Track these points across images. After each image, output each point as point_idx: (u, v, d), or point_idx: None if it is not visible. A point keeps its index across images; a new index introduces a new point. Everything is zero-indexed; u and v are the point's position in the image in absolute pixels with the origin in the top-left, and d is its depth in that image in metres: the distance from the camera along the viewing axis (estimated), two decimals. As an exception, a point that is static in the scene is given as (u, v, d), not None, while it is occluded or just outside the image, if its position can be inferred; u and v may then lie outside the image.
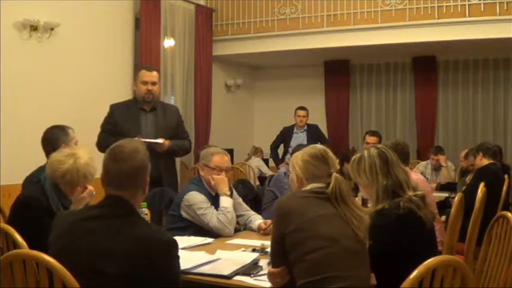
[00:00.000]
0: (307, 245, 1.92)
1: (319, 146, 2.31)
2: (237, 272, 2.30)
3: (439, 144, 7.76)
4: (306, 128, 7.04)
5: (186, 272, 2.28)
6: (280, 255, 2.01)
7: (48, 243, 1.88)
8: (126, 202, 1.86)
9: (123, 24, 6.54)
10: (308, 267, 1.90)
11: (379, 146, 2.48)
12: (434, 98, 8.32)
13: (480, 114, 8.10)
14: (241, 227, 3.49)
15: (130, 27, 6.65)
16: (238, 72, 9.10)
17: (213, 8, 7.99)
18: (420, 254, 1.87)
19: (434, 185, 5.88)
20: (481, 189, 3.60)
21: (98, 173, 2.03)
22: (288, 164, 3.69)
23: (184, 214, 3.26)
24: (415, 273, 1.72)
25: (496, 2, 6.28)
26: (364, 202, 3.05)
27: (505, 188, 4.61)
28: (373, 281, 2.07)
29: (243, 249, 2.78)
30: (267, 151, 7.96)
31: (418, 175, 4.02)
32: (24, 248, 2.01)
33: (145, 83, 4.11)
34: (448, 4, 6.57)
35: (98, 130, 4.16)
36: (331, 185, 2.04)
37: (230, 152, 5.01)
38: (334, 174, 2.08)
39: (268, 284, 2.12)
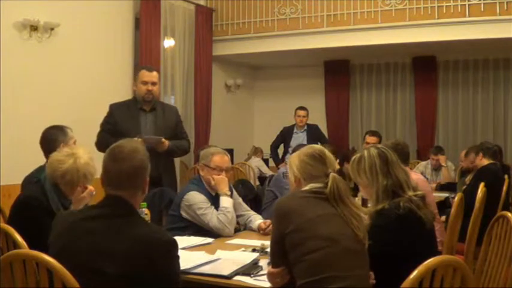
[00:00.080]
0: (307, 245, 1.92)
1: (316, 146, 2.31)
2: (237, 272, 2.30)
3: (439, 144, 7.76)
4: (306, 128, 7.04)
5: (186, 272, 2.28)
6: (280, 255, 2.01)
7: (48, 243, 1.88)
8: (126, 202, 1.86)
9: (123, 24, 6.54)
10: (308, 267, 1.90)
11: (379, 146, 2.48)
12: (434, 98, 8.32)
13: (480, 114, 8.09)
14: (241, 227, 3.49)
15: (130, 27, 6.65)
16: (238, 72, 9.10)
17: (213, 8, 7.99)
18: (420, 254, 1.87)
19: (434, 185, 5.87)
20: (481, 189, 3.60)
21: (98, 172, 2.03)
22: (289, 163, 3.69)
23: (184, 214, 3.26)
24: (415, 273, 1.72)
25: (496, 2, 6.28)
26: (364, 202, 3.05)
27: (505, 188, 4.61)
28: (372, 280, 2.07)
29: (243, 249, 2.78)
30: (267, 151, 7.95)
31: (418, 175, 4.02)
32: (24, 248, 2.01)
33: (145, 83, 4.11)
34: (448, 4, 6.57)
35: (98, 130, 4.16)
36: (329, 185, 2.04)
37: (230, 152, 5.01)
38: (332, 174, 2.08)
39: (268, 284, 2.12)
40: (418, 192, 2.30)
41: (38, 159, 3.13)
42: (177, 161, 6.49)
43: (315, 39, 7.37)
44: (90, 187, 2.59)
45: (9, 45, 5.11)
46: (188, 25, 7.49)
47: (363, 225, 2.03)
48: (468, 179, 5.06)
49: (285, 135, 7.12)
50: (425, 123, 8.33)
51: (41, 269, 1.76)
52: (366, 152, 2.38)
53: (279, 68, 9.25)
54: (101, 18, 6.14)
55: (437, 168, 6.63)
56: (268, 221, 3.29)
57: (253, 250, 2.71)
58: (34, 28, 5.33)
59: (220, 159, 3.39)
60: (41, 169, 2.99)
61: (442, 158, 6.59)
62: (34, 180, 2.80)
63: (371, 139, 5.40)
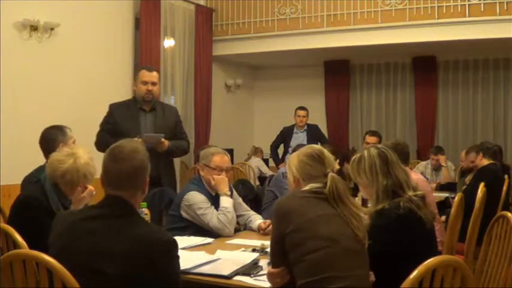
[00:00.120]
0: (307, 245, 1.92)
1: (315, 146, 2.31)
2: (237, 272, 2.30)
3: (439, 144, 7.76)
4: (306, 128, 7.04)
5: (186, 272, 2.28)
6: (280, 255, 2.01)
7: (48, 243, 1.88)
8: (126, 202, 1.86)
9: (123, 24, 6.54)
10: (308, 268, 1.90)
11: (379, 146, 2.48)
12: (434, 98, 8.32)
13: (480, 114, 8.09)
14: (241, 227, 3.49)
15: (130, 27, 6.65)
16: (238, 72, 9.10)
17: (213, 8, 8.00)
18: (420, 254, 1.87)
19: (434, 185, 5.87)
20: (481, 189, 3.60)
21: (98, 172, 2.03)
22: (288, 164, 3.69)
23: (184, 214, 3.26)
24: (415, 273, 1.72)
25: (496, 2, 6.28)
26: (364, 202, 3.05)
27: (505, 188, 4.60)
28: (372, 277, 2.07)
29: (243, 249, 2.78)
30: (267, 151, 7.95)
31: (418, 175, 4.02)
32: (24, 248, 2.01)
33: (145, 83, 4.12)
34: (448, 4, 6.57)
35: (98, 130, 4.16)
36: (328, 185, 2.04)
37: (230, 152, 5.01)
38: (331, 174, 2.08)
39: (268, 284, 2.12)
40: (418, 192, 2.30)
41: (38, 159, 3.13)
42: (177, 161, 6.49)
43: (315, 39, 7.37)
44: (90, 187, 2.59)
45: (9, 45, 5.11)
46: (188, 25, 7.50)
47: (362, 225, 2.03)
48: (468, 179, 5.06)
49: (285, 135, 7.12)
50: (425, 123, 8.33)
51: (41, 269, 1.76)
52: (366, 152, 2.38)
53: (279, 68, 9.25)
54: (101, 18, 6.14)
55: (437, 168, 6.63)
56: (268, 221, 3.29)
57: (253, 250, 2.71)
58: (34, 28, 5.33)
59: (221, 159, 3.39)
60: (40, 169, 2.99)
61: (442, 158, 6.59)
62: (34, 180, 2.80)
63: (371, 139, 5.40)
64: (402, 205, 2.20)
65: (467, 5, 6.44)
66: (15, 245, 2.09)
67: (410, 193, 2.27)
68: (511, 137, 7.95)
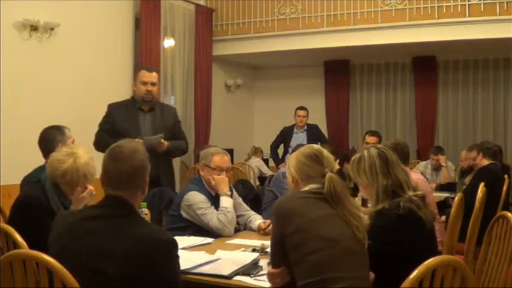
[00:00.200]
0: (308, 246, 1.92)
1: (314, 145, 2.29)
2: (237, 272, 2.30)
3: (439, 144, 7.76)
4: (306, 128, 7.04)
5: (186, 272, 2.28)
6: (280, 255, 2.01)
7: (48, 243, 1.88)
8: (126, 202, 1.87)
9: (123, 24, 6.54)
10: (309, 268, 1.90)
11: (379, 146, 2.48)
12: (434, 98, 8.31)
13: (480, 114, 8.09)
14: (241, 227, 3.49)
15: (130, 27, 6.65)
16: (238, 72, 9.10)
17: (213, 8, 8.00)
18: (420, 254, 1.87)
19: (434, 185, 5.87)
20: (481, 189, 3.60)
21: (98, 172, 2.03)
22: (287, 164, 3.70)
23: (184, 214, 3.26)
24: (415, 273, 1.72)
25: (496, 2, 6.28)
26: (364, 202, 3.05)
27: (505, 188, 4.60)
28: (372, 276, 2.07)
29: (243, 249, 2.78)
30: (267, 151, 7.95)
31: (418, 175, 4.02)
32: (24, 248, 2.01)
33: (145, 83, 4.12)
34: (448, 4, 6.57)
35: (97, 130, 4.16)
36: (325, 186, 2.04)
37: (230, 152, 5.01)
38: (329, 174, 2.07)
39: (268, 284, 2.12)
40: (418, 192, 2.30)
41: (37, 159, 3.14)
42: (177, 161, 6.49)
43: (315, 39, 7.37)
44: (90, 187, 2.59)
45: (9, 45, 5.11)
46: (188, 25, 7.49)
47: (362, 225, 2.02)
48: (468, 179, 5.06)
49: (285, 135, 7.12)
50: (425, 123, 8.33)
51: (41, 269, 1.76)
52: (365, 152, 2.38)
53: (279, 68, 9.25)
54: (101, 18, 6.14)
55: (437, 168, 6.63)
56: (268, 221, 3.29)
57: (253, 250, 2.71)
58: (34, 28, 5.33)
59: (221, 159, 3.39)
60: (40, 169, 2.99)
61: (442, 158, 6.59)
62: (33, 180, 2.80)
63: (371, 139, 5.41)
64: (402, 205, 2.20)
65: (467, 5, 6.44)
66: (15, 245, 2.09)
67: (410, 193, 2.27)
68: (511, 137, 7.95)
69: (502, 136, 7.93)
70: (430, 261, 1.75)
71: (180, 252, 1.88)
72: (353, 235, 1.97)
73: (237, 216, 3.40)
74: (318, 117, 8.26)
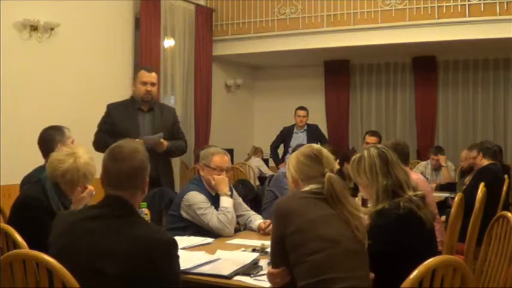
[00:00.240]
0: (308, 246, 1.91)
1: (314, 145, 2.28)
2: (237, 272, 2.30)
3: (439, 144, 7.75)
4: (306, 128, 7.04)
5: (186, 272, 2.28)
6: (280, 255, 2.01)
7: (48, 243, 1.88)
8: (126, 202, 1.87)
9: (123, 24, 6.54)
10: (309, 269, 1.90)
11: (379, 146, 2.48)
12: (434, 98, 8.31)
13: (480, 114, 8.09)
14: (241, 227, 3.49)
15: (130, 27, 6.65)
16: (238, 72, 9.10)
17: (213, 8, 8.00)
18: (420, 254, 1.87)
19: (434, 185, 5.87)
20: (481, 189, 3.59)
21: (98, 172, 2.03)
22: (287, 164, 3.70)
23: (184, 214, 3.26)
24: (415, 273, 1.72)
25: (496, 2, 6.28)
26: (364, 202, 3.05)
27: (505, 188, 4.60)
28: (372, 276, 2.07)
29: (243, 249, 2.78)
30: (267, 151, 7.95)
31: (418, 175, 4.02)
32: (24, 248, 2.01)
33: (144, 83, 4.12)
34: (448, 4, 6.57)
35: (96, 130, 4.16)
36: (325, 186, 2.04)
37: (230, 152, 5.01)
38: (328, 174, 2.06)
39: (268, 284, 2.12)
40: (418, 192, 2.30)
41: (37, 159, 3.14)
42: (177, 161, 6.50)
43: (315, 39, 7.37)
44: (90, 187, 2.59)
45: (9, 45, 5.11)
46: (188, 25, 7.49)
47: (362, 225, 2.02)
48: (468, 179, 5.06)
49: (285, 135, 7.12)
50: (425, 123, 8.33)
51: (41, 269, 1.76)
52: (365, 152, 2.38)
53: (279, 68, 9.25)
54: (101, 18, 6.14)
55: (437, 168, 6.63)
56: (268, 221, 3.29)
57: (253, 250, 2.71)
58: (34, 28, 5.33)
59: (221, 159, 3.39)
60: (39, 169, 2.99)
61: (442, 158, 6.59)
62: (33, 180, 2.80)
63: (371, 139, 5.40)
64: (402, 205, 2.20)
65: (467, 5, 6.44)
66: (15, 245, 2.09)
67: (411, 193, 2.27)
68: (511, 137, 7.95)
69: (502, 136, 7.93)
70: (430, 261, 1.75)
71: (180, 252, 1.88)
72: (353, 235, 1.97)
73: (237, 216, 3.40)
74: (318, 117, 8.26)
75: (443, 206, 4.84)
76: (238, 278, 2.26)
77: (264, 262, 2.43)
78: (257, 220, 3.41)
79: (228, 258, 2.53)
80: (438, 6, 6.61)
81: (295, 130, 7.06)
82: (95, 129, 4.16)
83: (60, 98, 5.61)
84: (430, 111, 8.30)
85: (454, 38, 6.59)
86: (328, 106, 8.95)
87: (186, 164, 7.41)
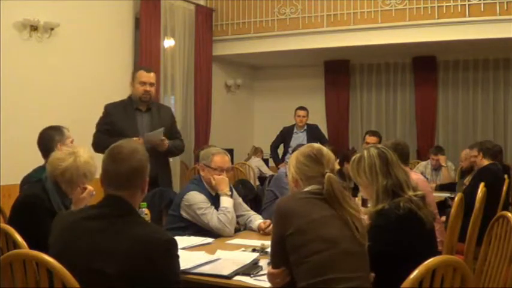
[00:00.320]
0: (309, 247, 1.91)
1: (315, 145, 2.27)
2: (237, 272, 2.30)
3: (439, 144, 7.75)
4: (305, 128, 7.04)
5: (186, 272, 2.28)
6: (280, 256, 2.00)
7: (48, 243, 1.88)
8: (126, 202, 1.87)
9: (123, 24, 6.54)
10: (309, 269, 1.90)
11: (379, 146, 2.47)
12: (434, 98, 8.31)
13: (480, 114, 8.09)
14: (241, 227, 3.49)
15: (130, 27, 6.65)
16: (238, 72, 9.10)
17: (213, 8, 8.00)
18: (420, 254, 1.87)
19: (434, 185, 5.87)
20: (481, 189, 3.59)
21: (98, 172, 2.03)
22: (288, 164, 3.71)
23: (184, 214, 3.26)
24: (415, 273, 1.72)
25: (496, 2, 6.28)
26: (364, 202, 3.05)
27: (505, 188, 4.60)
28: (372, 276, 2.07)
29: (243, 249, 2.78)
30: (267, 151, 7.95)
31: (418, 175, 4.01)
32: (24, 248, 2.01)
33: (143, 83, 4.12)
34: (448, 4, 6.57)
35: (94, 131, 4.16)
36: (325, 187, 2.03)
37: (230, 152, 5.01)
38: (328, 175, 2.05)
39: (268, 284, 2.12)
40: (418, 192, 2.30)
41: (37, 159, 3.14)
42: (177, 161, 6.50)
43: (315, 39, 7.37)
44: (90, 187, 2.59)
45: (9, 45, 5.11)
46: (188, 25, 7.49)
47: (362, 226, 2.02)
48: (467, 179, 5.06)
49: (284, 135, 7.12)
50: (425, 123, 8.33)
51: (41, 269, 1.76)
52: (365, 152, 2.38)
53: (279, 68, 9.25)
54: (100, 18, 6.14)
55: (437, 168, 6.62)
56: (268, 221, 3.29)
57: (253, 250, 2.71)
58: (34, 28, 5.33)
59: (221, 159, 3.39)
60: (39, 169, 2.99)
61: (442, 158, 6.59)
62: (33, 180, 2.80)
63: (371, 139, 5.40)
64: (402, 205, 2.20)
65: (467, 5, 6.44)
66: (15, 245, 2.09)
67: (411, 193, 2.27)
68: (511, 137, 7.95)
69: (502, 136, 7.93)
70: (430, 261, 1.75)
71: (180, 252, 1.88)
72: (353, 236, 1.97)
73: (237, 216, 3.40)
74: (318, 117, 8.26)
75: (443, 206, 4.84)
76: (238, 278, 2.26)
77: (264, 262, 2.43)
78: (257, 220, 3.41)
79: (228, 258, 2.52)
80: (438, 6, 6.61)
81: (295, 130, 7.06)
82: (95, 129, 4.15)
83: (60, 98, 5.60)
84: (430, 111, 8.30)
85: (454, 38, 6.59)
86: (328, 106, 8.95)
87: (186, 164, 7.40)
